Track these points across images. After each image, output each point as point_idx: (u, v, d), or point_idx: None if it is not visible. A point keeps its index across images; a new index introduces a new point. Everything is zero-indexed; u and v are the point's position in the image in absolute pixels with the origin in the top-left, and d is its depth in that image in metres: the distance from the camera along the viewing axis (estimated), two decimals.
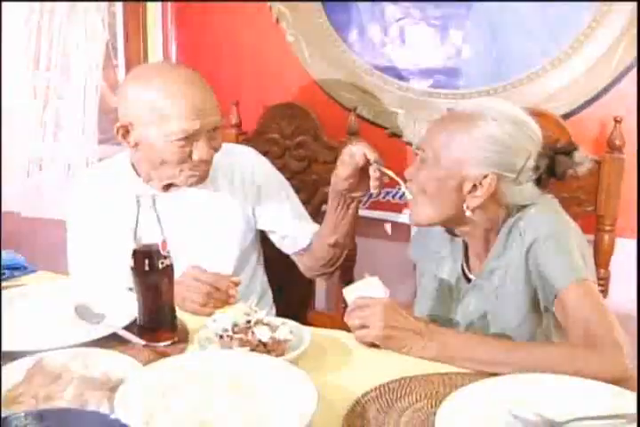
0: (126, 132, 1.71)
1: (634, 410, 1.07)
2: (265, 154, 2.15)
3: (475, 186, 1.44)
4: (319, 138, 2.18)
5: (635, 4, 1.85)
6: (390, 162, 2.05)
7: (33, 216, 2.93)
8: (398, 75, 2.21)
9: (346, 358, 1.37)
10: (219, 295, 1.55)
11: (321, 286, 2.39)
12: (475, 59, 2.09)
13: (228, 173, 1.88)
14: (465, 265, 1.60)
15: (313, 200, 2.23)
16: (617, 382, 1.16)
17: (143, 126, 1.68)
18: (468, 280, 1.58)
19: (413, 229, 1.85)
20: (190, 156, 1.70)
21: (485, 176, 1.43)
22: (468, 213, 1.46)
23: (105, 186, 1.86)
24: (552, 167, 1.49)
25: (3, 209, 2.89)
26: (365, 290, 1.44)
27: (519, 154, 1.44)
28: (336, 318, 2.14)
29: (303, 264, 1.94)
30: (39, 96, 2.84)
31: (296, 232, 1.91)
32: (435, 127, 1.50)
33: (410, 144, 2.21)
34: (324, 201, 2.13)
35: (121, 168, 1.86)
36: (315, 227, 1.93)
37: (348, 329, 1.46)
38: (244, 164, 1.91)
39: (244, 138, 2.28)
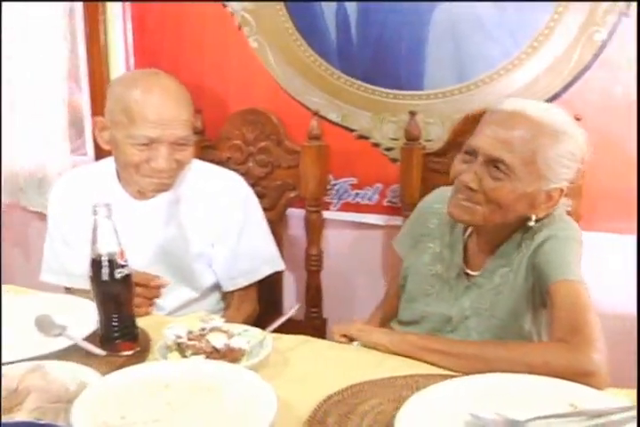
0: (102, 128, 1.81)
1: (594, 406, 1.09)
2: (228, 160, 2.22)
3: (542, 197, 1.47)
4: (281, 143, 2.20)
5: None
6: (360, 163, 2.30)
7: None
8: (363, 77, 2.22)
9: (309, 363, 1.37)
10: (149, 294, 1.60)
11: (293, 294, 2.44)
12: (437, 60, 2.10)
13: (205, 195, 1.90)
14: (462, 262, 1.61)
15: (277, 206, 2.24)
16: (584, 375, 1.19)
17: (114, 126, 1.76)
18: (466, 276, 1.59)
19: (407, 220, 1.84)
20: (149, 162, 1.75)
21: (561, 189, 1.46)
22: (531, 223, 1.48)
23: (86, 187, 1.92)
24: None
25: None
26: None
27: (580, 167, 1.49)
28: (304, 324, 2.21)
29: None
30: (14, 110, 2.83)
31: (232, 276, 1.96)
32: (515, 138, 1.42)
33: (377, 145, 2.25)
34: (288, 206, 2.22)
35: (106, 171, 1.91)
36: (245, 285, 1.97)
37: (314, 335, 1.50)
38: (224, 190, 1.93)
39: (207, 145, 2.28)
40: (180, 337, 1.31)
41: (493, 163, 1.43)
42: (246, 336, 1.38)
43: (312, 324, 2.23)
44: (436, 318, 1.60)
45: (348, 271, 2.41)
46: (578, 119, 1.78)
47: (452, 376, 1.24)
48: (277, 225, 2.22)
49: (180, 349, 1.31)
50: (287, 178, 2.21)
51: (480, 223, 1.51)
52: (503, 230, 1.53)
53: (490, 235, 1.56)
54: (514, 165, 1.41)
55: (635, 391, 1.20)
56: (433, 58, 2.11)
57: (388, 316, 1.79)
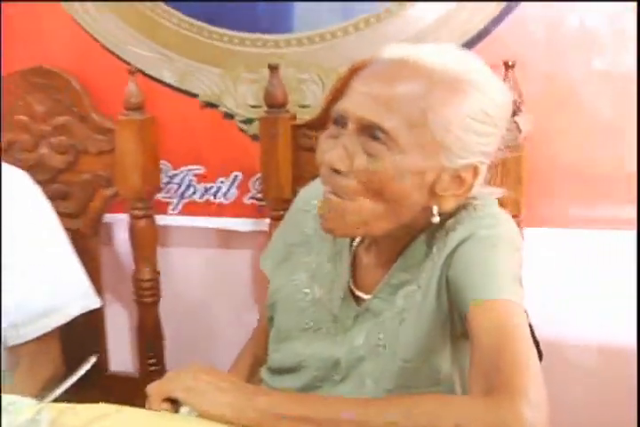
0: None
1: None
2: (10, 147, 2.16)
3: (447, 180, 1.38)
4: (88, 118, 2.14)
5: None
6: (208, 144, 2.26)
7: None
8: (207, 17, 2.17)
9: None
10: None
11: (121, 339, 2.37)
12: None
13: None
14: (351, 280, 1.53)
15: (87, 210, 2.19)
16: None
17: None
18: (356, 300, 1.52)
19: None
20: None
21: (475, 167, 1.36)
22: (436, 220, 1.38)
23: None
24: None
25: None
26: None
27: (502, 135, 1.41)
28: (138, 382, 2.15)
29: None
30: None
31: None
32: (398, 94, 1.33)
33: (231, 116, 2.22)
34: (105, 210, 2.22)
35: None
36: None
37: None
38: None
39: None
40: None
41: (369, 131, 1.32)
42: (10, 413, 1.23)
43: (149, 380, 2.09)
44: (319, 362, 1.52)
45: (200, 302, 2.41)
46: (509, 66, 1.81)
47: None
48: (90, 239, 2.19)
49: None
50: (99, 169, 2.16)
51: (360, 234, 1.45)
52: (405, 233, 1.45)
53: (387, 241, 1.47)
54: (396, 132, 1.29)
55: None
56: None
57: (261, 361, 1.72)
